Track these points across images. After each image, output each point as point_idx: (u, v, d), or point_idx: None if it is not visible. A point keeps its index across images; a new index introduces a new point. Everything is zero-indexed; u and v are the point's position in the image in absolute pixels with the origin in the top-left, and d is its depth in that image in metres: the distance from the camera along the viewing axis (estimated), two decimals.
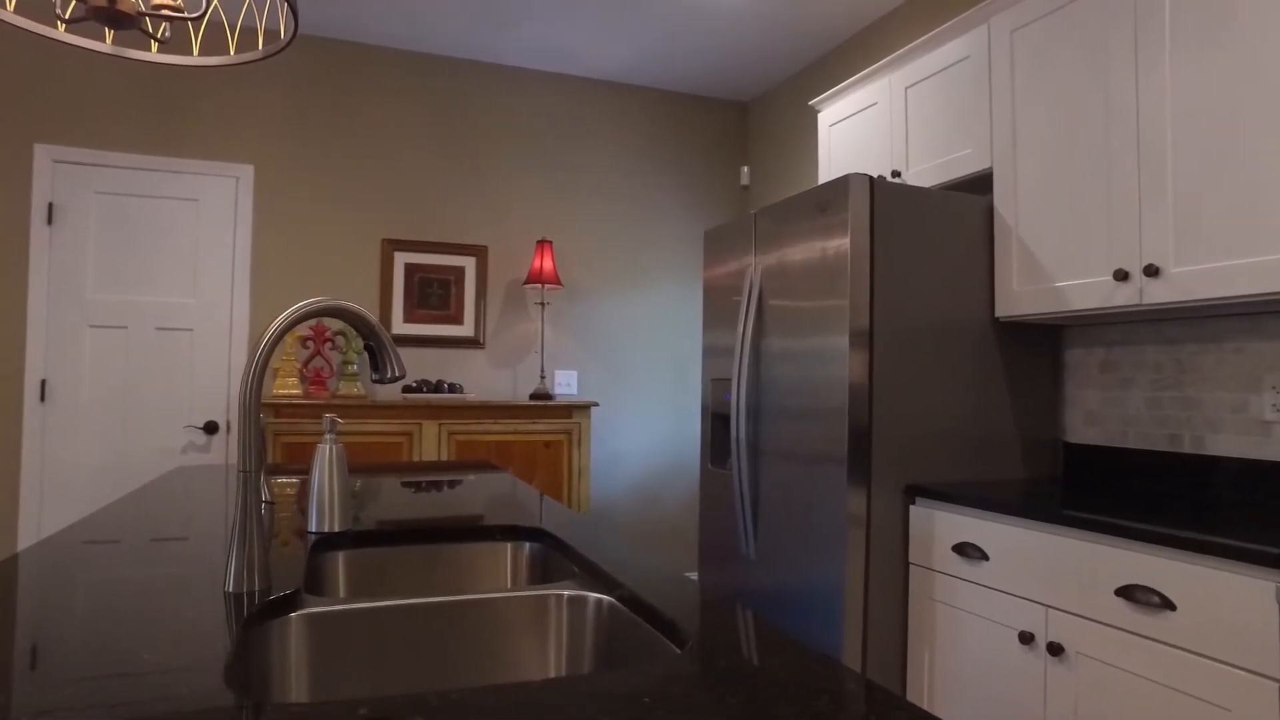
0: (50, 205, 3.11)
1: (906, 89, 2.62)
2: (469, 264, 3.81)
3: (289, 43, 1.33)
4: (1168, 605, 1.48)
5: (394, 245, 3.67)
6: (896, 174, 2.65)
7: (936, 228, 2.23)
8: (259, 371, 1.01)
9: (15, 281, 3.07)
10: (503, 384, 3.85)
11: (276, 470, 2.27)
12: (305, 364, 3.32)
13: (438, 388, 3.44)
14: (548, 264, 3.69)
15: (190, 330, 3.27)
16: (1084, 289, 1.99)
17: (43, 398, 3.09)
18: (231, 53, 1.41)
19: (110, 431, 3.14)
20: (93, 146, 3.17)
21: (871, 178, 2.14)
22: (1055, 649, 1.70)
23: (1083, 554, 1.66)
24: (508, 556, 1.45)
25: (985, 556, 1.90)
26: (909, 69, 2.61)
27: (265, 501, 1.03)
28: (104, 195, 3.18)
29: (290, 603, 0.97)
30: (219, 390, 3.32)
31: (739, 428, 2.55)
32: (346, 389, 3.35)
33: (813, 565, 2.22)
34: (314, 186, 3.52)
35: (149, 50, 1.42)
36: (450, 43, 3.63)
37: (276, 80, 3.46)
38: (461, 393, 3.49)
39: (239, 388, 0.90)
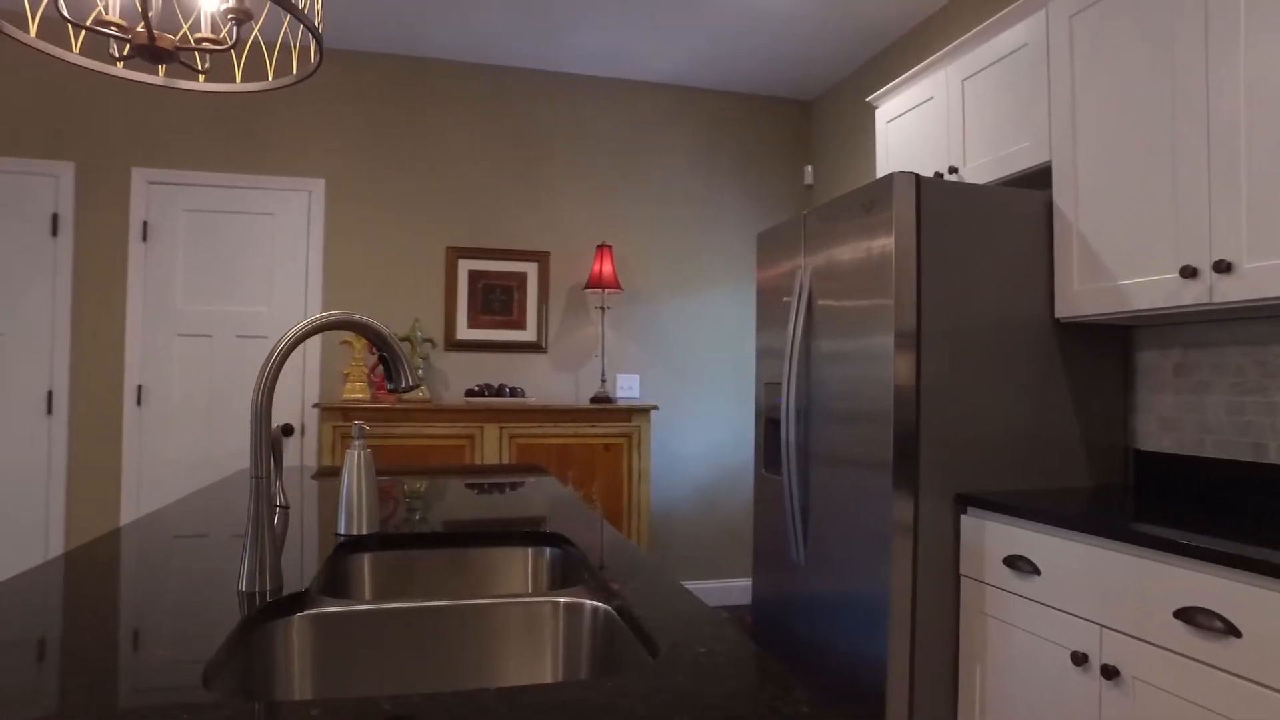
0: (145, 224, 3.36)
1: (963, 81, 2.52)
2: (531, 270, 3.88)
3: (318, 66, 1.40)
4: (1232, 631, 1.37)
5: (458, 253, 3.78)
6: (954, 170, 2.55)
7: (990, 225, 2.14)
8: (269, 383, 1.07)
9: (116, 295, 3.33)
10: (565, 388, 3.91)
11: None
12: (372, 369, 3.46)
13: (499, 392, 3.53)
14: (607, 268, 3.72)
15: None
16: (1148, 287, 1.87)
17: (139, 401, 3.34)
18: (270, 77, 1.49)
19: (197, 433, 3.37)
20: (181, 167, 3.41)
21: (918, 176, 2.07)
22: (1110, 672, 1.60)
23: (1138, 571, 1.56)
24: (528, 561, 1.47)
25: (1037, 570, 1.81)
26: (965, 60, 2.51)
27: (280, 506, 1.09)
28: (191, 212, 3.41)
29: (297, 603, 1.02)
30: (293, 395, 3.50)
31: (788, 431, 2.51)
32: (411, 393, 3.47)
33: (859, 573, 2.16)
34: (381, 197, 3.67)
35: (196, 80, 1.52)
36: (509, 53, 3.71)
37: (345, 97, 3.63)
38: (523, 397, 3.56)
39: (251, 398, 0.95)
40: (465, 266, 3.79)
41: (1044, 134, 2.18)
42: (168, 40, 1.29)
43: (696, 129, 4.11)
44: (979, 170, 2.44)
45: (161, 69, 1.46)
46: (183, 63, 1.33)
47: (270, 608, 0.98)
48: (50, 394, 3.25)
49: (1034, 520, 1.82)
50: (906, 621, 2.03)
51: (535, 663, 1.10)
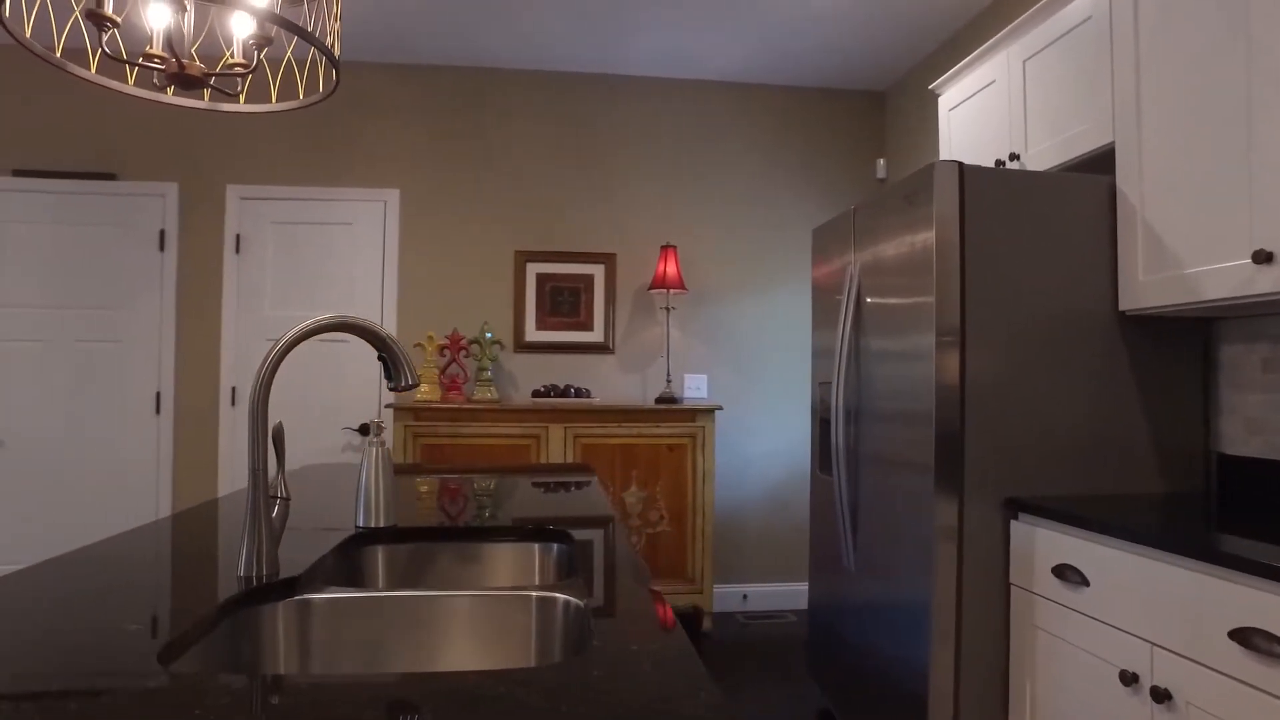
0: (238, 237, 3.64)
1: (1024, 62, 2.38)
2: (598, 271, 3.93)
3: (335, 87, 1.49)
4: None
5: (526, 256, 3.88)
6: (1015, 157, 2.41)
7: (1044, 214, 2.01)
8: (265, 382, 1.14)
9: (212, 304, 3.62)
10: (632, 388, 3.94)
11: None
12: (442, 371, 3.60)
13: (564, 392, 3.59)
14: (671, 268, 3.73)
15: (346, 342, 3.67)
16: (1218, 275, 1.71)
17: (233, 402, 3.61)
18: (301, 96, 1.59)
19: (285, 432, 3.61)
20: (269, 183, 3.67)
21: (961, 164, 1.97)
22: (1161, 695, 1.47)
23: (1190, 586, 1.43)
24: (536, 556, 1.51)
25: (1085, 581, 1.68)
26: (1027, 39, 2.37)
27: (282, 497, 1.17)
28: (278, 225, 3.66)
29: (289, 588, 1.09)
30: (371, 396, 3.69)
31: (837, 433, 2.44)
32: (481, 394, 3.59)
33: (904, 579, 2.08)
34: (452, 205, 3.82)
35: (237, 102, 1.64)
36: (569, 58, 3.78)
37: (416, 110, 3.80)
38: (588, 397, 3.61)
39: (251, 392, 1.01)
40: (533, 270, 3.88)
41: (1107, 113, 2.03)
42: (197, 69, 1.39)
43: (763, 125, 4.05)
44: (1041, 156, 2.29)
45: (206, 93, 1.58)
46: (214, 87, 1.44)
47: (256, 592, 1.05)
48: (158, 395, 3.57)
49: (1080, 527, 1.70)
50: (950, 631, 1.93)
51: (513, 652, 1.12)
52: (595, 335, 3.93)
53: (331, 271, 3.69)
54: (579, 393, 3.61)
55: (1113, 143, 2.02)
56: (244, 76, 1.47)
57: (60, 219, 3.54)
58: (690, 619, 3.73)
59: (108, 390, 3.55)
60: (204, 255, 3.63)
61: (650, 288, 3.78)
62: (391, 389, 1.28)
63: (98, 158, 3.58)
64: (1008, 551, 1.96)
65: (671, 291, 3.90)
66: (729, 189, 4.02)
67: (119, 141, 3.60)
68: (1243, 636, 1.31)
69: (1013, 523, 1.94)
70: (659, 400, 3.70)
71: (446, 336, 3.66)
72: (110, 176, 3.56)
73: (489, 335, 3.66)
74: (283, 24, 1.31)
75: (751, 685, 2.99)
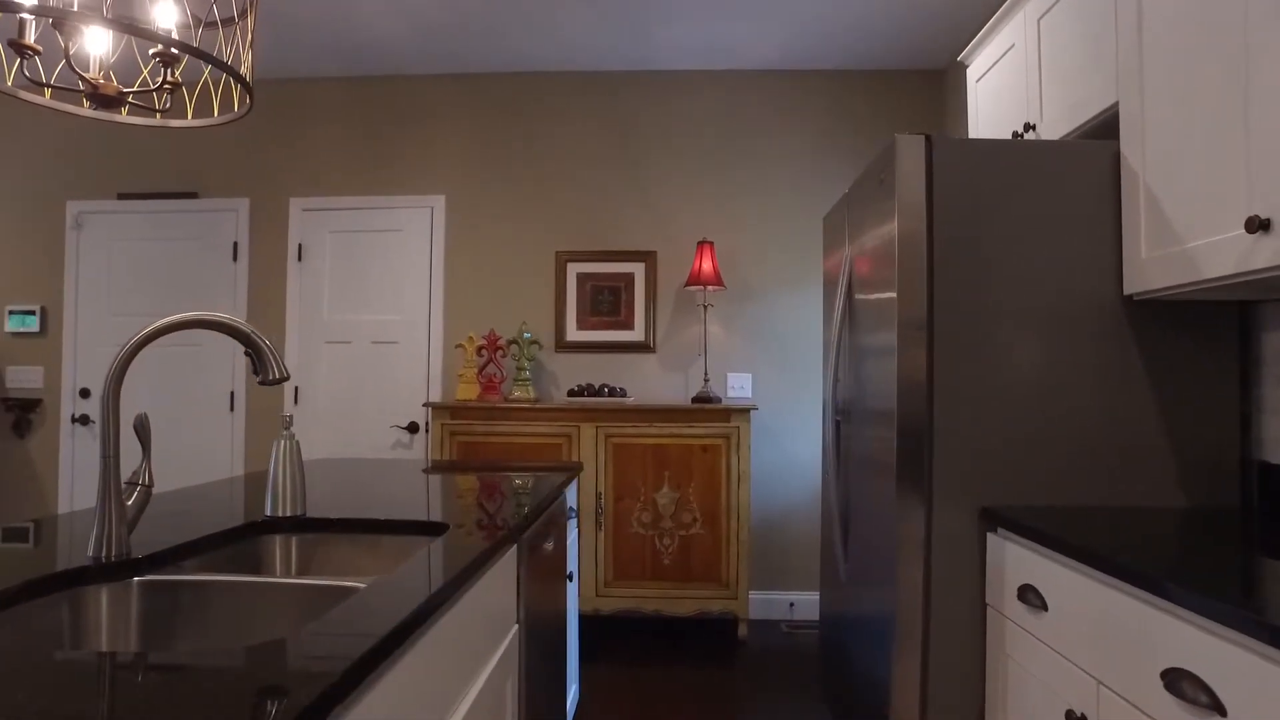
0: (300, 246, 3.90)
1: (1039, 20, 2.13)
2: (638, 270, 3.90)
3: (250, 108, 1.57)
4: (1217, 708, 1.03)
5: (567, 256, 3.91)
6: (1030, 127, 2.16)
7: (1038, 188, 1.79)
8: (117, 374, 1.21)
9: (277, 309, 3.90)
10: (674, 388, 3.88)
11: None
12: (480, 370, 3.69)
13: (599, 392, 3.59)
14: (707, 265, 3.64)
15: (396, 343, 3.84)
16: (1216, 249, 1.45)
17: (296, 401, 3.88)
18: (236, 108, 1.69)
19: (339, 429, 3.83)
20: (327, 194, 3.91)
21: (928, 137, 1.79)
22: None
23: (1133, 618, 1.22)
24: (421, 548, 1.51)
25: (1045, 605, 1.48)
26: None
27: (144, 485, 1.24)
28: (335, 234, 3.89)
29: (128, 568, 1.15)
30: (419, 395, 3.84)
31: (827, 433, 2.29)
32: (519, 393, 3.65)
33: (873, 591, 1.92)
34: (494, 208, 3.91)
35: (187, 118, 1.75)
36: (607, 57, 3.77)
37: (460, 118, 3.92)
38: (623, 396, 3.59)
39: (103, 386, 1.08)
40: (574, 270, 3.91)
41: (1112, 71, 1.78)
42: (112, 88, 1.50)
43: (809, 113, 3.87)
44: (1055, 124, 2.05)
45: (158, 114, 1.70)
46: (134, 104, 1.54)
47: (91, 571, 1.11)
48: (232, 394, 3.89)
49: (1036, 542, 1.50)
50: (916, 649, 1.76)
51: None
52: (636, 334, 3.90)
53: (383, 276, 3.88)
54: (613, 392, 3.59)
55: (1117, 103, 1.77)
56: (161, 92, 1.57)
57: (154, 235, 3.94)
58: (725, 626, 3.61)
59: (190, 391, 3.90)
60: (270, 264, 3.92)
61: (686, 284, 3.70)
62: (261, 383, 1.32)
63: (182, 178, 3.96)
64: (985, 567, 1.75)
65: (710, 288, 3.80)
66: (775, 181, 3.87)
67: (199, 162, 3.96)
68: (1171, 680, 1.11)
69: (989, 536, 1.74)
70: (696, 399, 3.61)
71: (484, 337, 3.75)
72: (193, 195, 3.93)
73: (527, 335, 3.72)
74: (182, 48, 1.38)
75: (770, 698, 2.85)
